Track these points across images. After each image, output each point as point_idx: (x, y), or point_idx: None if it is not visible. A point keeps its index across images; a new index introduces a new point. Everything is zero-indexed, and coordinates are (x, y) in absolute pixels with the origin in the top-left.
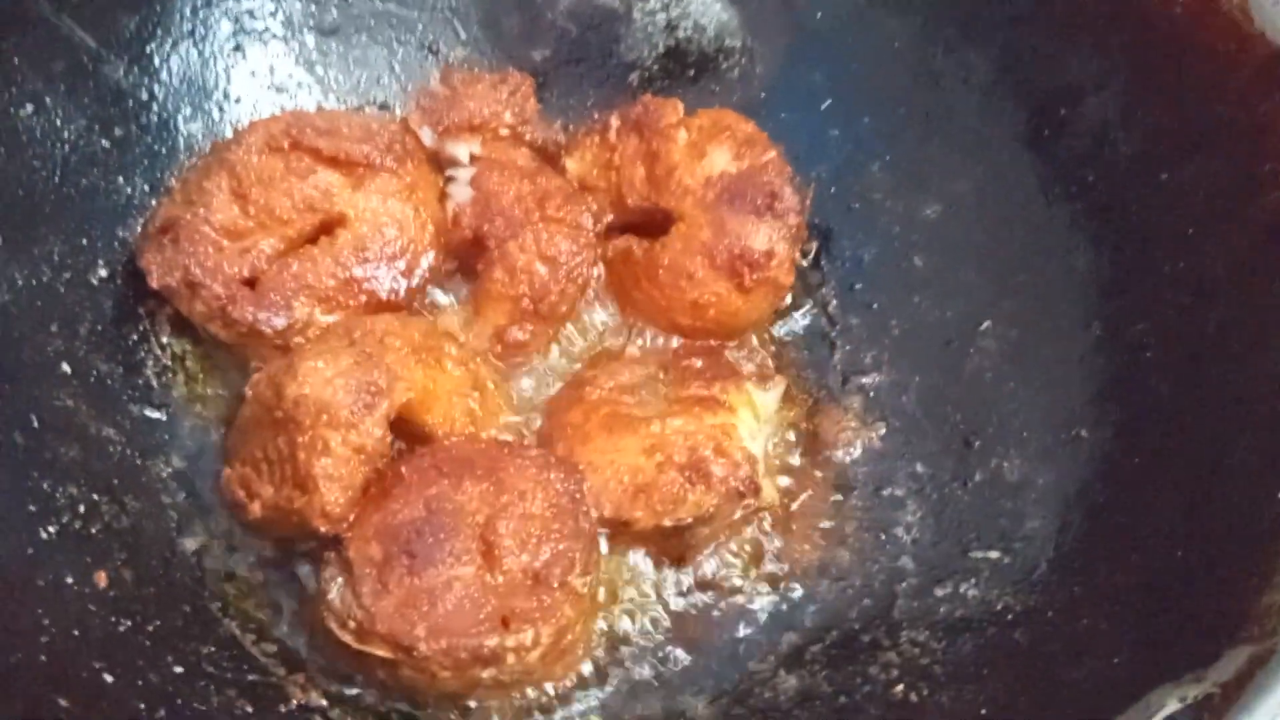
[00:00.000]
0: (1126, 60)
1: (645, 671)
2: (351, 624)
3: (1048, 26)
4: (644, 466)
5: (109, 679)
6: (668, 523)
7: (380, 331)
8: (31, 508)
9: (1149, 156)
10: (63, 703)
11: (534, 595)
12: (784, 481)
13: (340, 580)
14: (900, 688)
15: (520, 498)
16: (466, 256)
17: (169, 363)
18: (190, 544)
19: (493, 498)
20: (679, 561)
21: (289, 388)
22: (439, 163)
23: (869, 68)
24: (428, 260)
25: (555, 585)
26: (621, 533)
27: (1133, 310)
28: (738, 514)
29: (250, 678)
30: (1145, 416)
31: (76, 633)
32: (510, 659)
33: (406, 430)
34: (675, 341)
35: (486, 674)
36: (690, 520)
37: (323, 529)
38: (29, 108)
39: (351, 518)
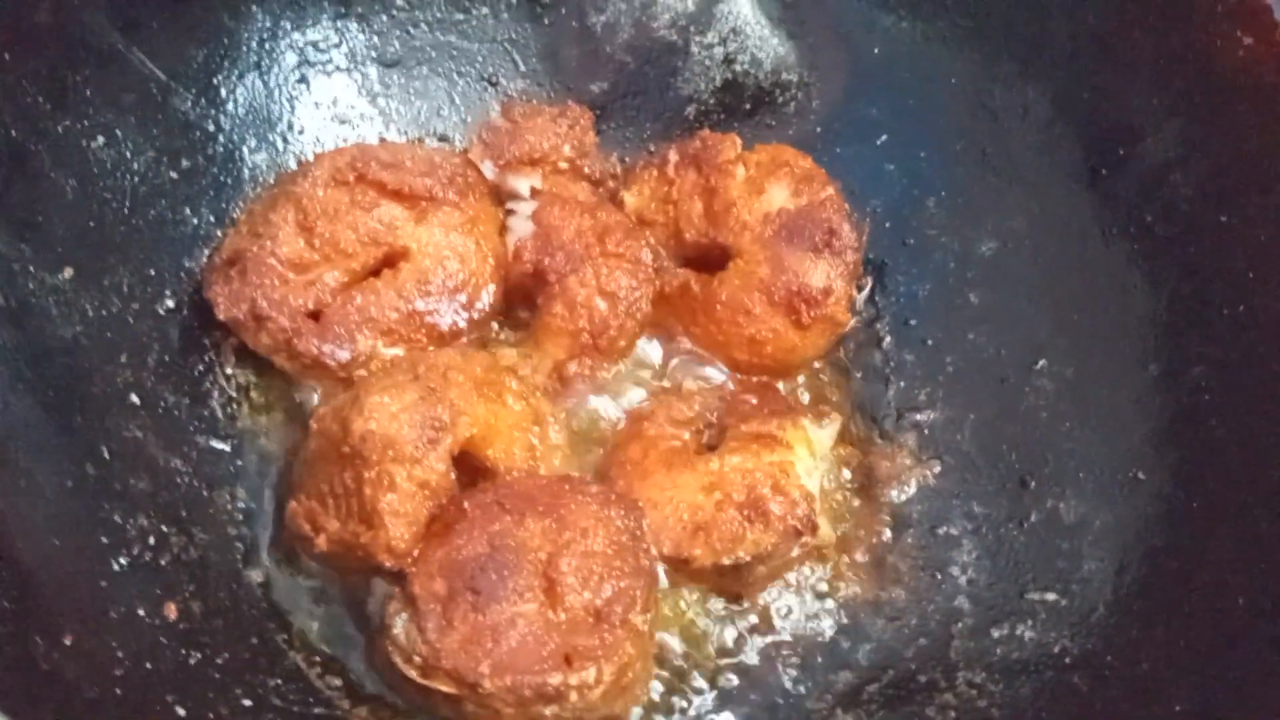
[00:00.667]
0: (1186, 100)
1: (702, 708)
2: (417, 659)
3: (1107, 65)
4: (703, 504)
5: (181, 712)
6: (726, 561)
7: (443, 366)
8: (104, 539)
9: (1208, 197)
10: None
11: (596, 633)
12: (840, 519)
13: (405, 615)
14: None
15: (582, 535)
16: (527, 290)
17: (234, 393)
18: (256, 575)
19: (555, 534)
20: (736, 599)
21: (355, 423)
22: (500, 196)
23: (926, 103)
24: (489, 293)
25: (617, 623)
26: (680, 570)
27: (1191, 352)
28: (795, 552)
29: (316, 710)
30: (1204, 459)
31: (149, 665)
32: (573, 696)
33: (468, 464)
34: (731, 377)
35: (549, 711)
36: (749, 559)
37: (388, 564)
38: (100, 139)
39: (415, 553)
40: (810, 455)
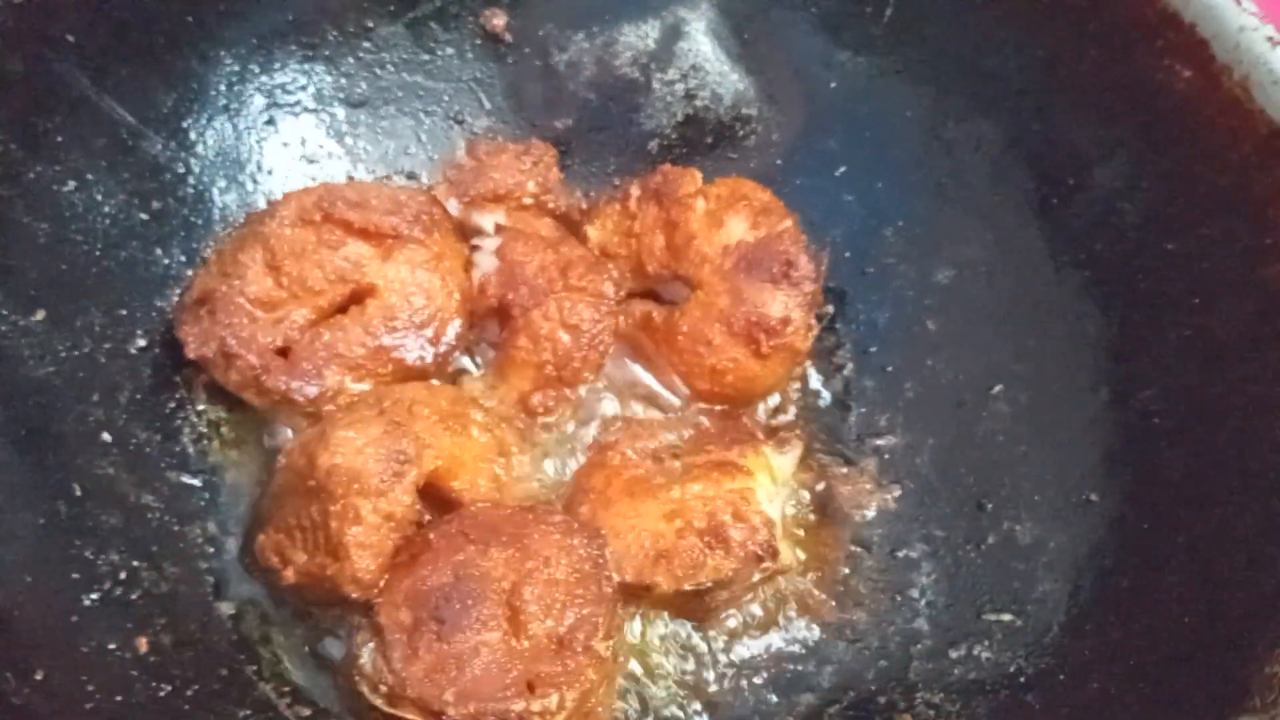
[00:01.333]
0: (1133, 133)
1: None
2: (383, 688)
3: (1055, 99)
4: (664, 532)
5: None
6: (688, 587)
7: (409, 400)
8: (75, 575)
9: (1155, 225)
10: None
11: (558, 660)
12: (801, 544)
13: (372, 645)
14: None
15: (545, 564)
16: (491, 324)
17: (205, 429)
18: (226, 608)
19: (518, 564)
20: (699, 622)
21: (321, 457)
22: (465, 232)
23: (882, 136)
24: (454, 328)
25: (579, 650)
26: (643, 597)
27: (1141, 376)
28: (756, 577)
29: None
30: (1154, 481)
31: (119, 698)
32: None
33: (434, 495)
34: (693, 407)
35: None
36: (710, 584)
37: (354, 595)
38: (71, 184)
39: (381, 583)
40: (771, 481)
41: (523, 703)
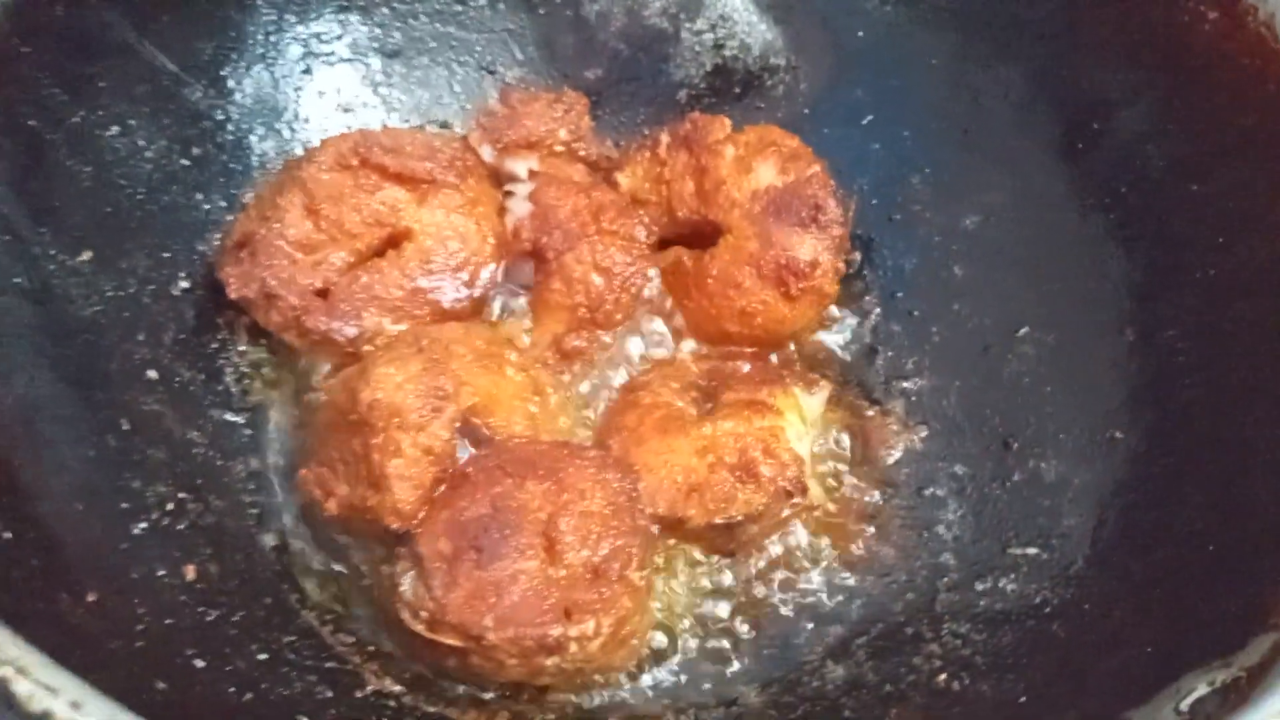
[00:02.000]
0: (1157, 75)
1: (698, 661)
2: (424, 614)
3: (1080, 43)
4: (696, 467)
5: (200, 664)
6: (719, 520)
7: (446, 340)
8: (124, 505)
9: (1180, 167)
10: (160, 685)
11: (594, 588)
12: (830, 482)
13: (412, 574)
14: (943, 677)
15: (580, 496)
16: (525, 267)
17: (246, 369)
18: (270, 540)
19: (554, 496)
20: (729, 556)
21: (363, 393)
22: (498, 178)
23: (908, 84)
24: (489, 271)
25: (614, 578)
26: (675, 529)
27: (1165, 316)
28: (785, 512)
29: (328, 665)
30: (1177, 417)
31: (169, 621)
32: (573, 648)
33: (470, 433)
34: (721, 349)
35: (550, 662)
36: (740, 518)
37: (394, 525)
38: (114, 129)
39: (421, 515)
40: (800, 421)
41: (560, 628)
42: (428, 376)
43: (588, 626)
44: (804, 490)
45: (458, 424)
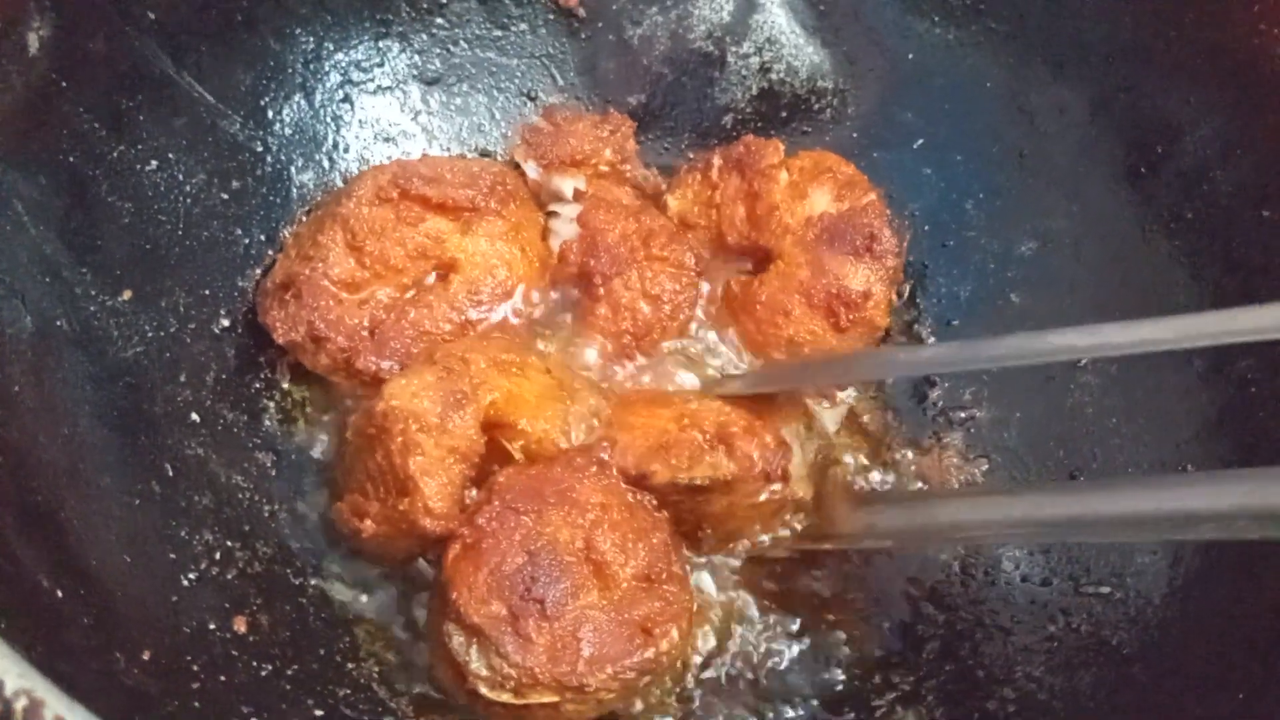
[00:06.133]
0: (1224, 98)
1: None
2: (509, 683)
3: (1143, 66)
4: (670, 429)
5: None
6: (682, 479)
7: (461, 350)
8: (172, 555)
9: (1248, 192)
10: None
11: (654, 595)
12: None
13: (475, 647)
14: None
15: (602, 510)
16: (569, 291)
17: (290, 409)
18: (318, 586)
19: (577, 518)
20: (695, 545)
21: (378, 405)
22: (539, 200)
23: (962, 107)
24: (536, 297)
25: (665, 577)
26: (639, 485)
27: (1236, 346)
28: (763, 496)
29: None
30: (1254, 450)
31: (223, 678)
32: (664, 660)
33: (499, 449)
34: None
35: (645, 682)
36: (704, 482)
37: (430, 526)
38: (154, 164)
39: (457, 519)
40: (804, 427)
41: (652, 649)
42: (444, 383)
43: (673, 635)
44: (785, 478)
45: (484, 425)
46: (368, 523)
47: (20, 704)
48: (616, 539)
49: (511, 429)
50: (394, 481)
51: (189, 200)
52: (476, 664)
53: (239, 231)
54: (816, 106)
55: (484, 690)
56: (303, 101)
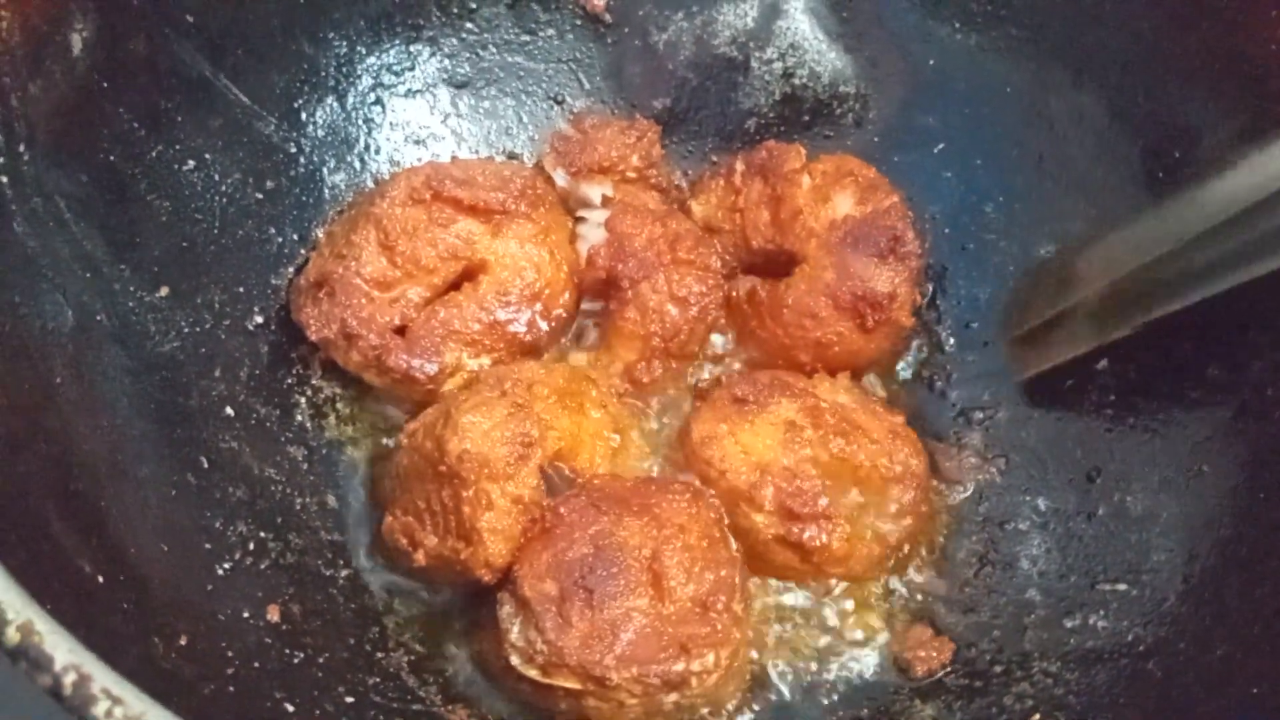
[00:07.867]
0: (1242, 102)
1: (787, 697)
2: (539, 659)
3: (1162, 70)
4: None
5: (290, 708)
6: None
7: (528, 380)
8: (207, 545)
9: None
10: None
11: (705, 622)
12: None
13: (520, 618)
14: (1036, 718)
15: (679, 530)
16: (599, 295)
17: (321, 405)
18: (348, 578)
19: (653, 531)
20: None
21: (450, 442)
22: (568, 205)
23: (982, 111)
24: (564, 300)
25: (723, 609)
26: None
27: (1253, 347)
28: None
29: (414, 708)
30: (1269, 451)
31: (257, 665)
32: (694, 683)
33: (554, 474)
34: None
35: (671, 699)
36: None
37: (485, 578)
38: (191, 163)
39: (511, 566)
40: None
41: (683, 664)
42: (513, 422)
43: (708, 660)
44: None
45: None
46: (420, 554)
47: (70, 678)
48: (685, 560)
49: (567, 468)
50: (458, 527)
51: (225, 200)
52: (516, 635)
53: (273, 231)
54: (838, 111)
55: (515, 661)
56: (335, 104)
